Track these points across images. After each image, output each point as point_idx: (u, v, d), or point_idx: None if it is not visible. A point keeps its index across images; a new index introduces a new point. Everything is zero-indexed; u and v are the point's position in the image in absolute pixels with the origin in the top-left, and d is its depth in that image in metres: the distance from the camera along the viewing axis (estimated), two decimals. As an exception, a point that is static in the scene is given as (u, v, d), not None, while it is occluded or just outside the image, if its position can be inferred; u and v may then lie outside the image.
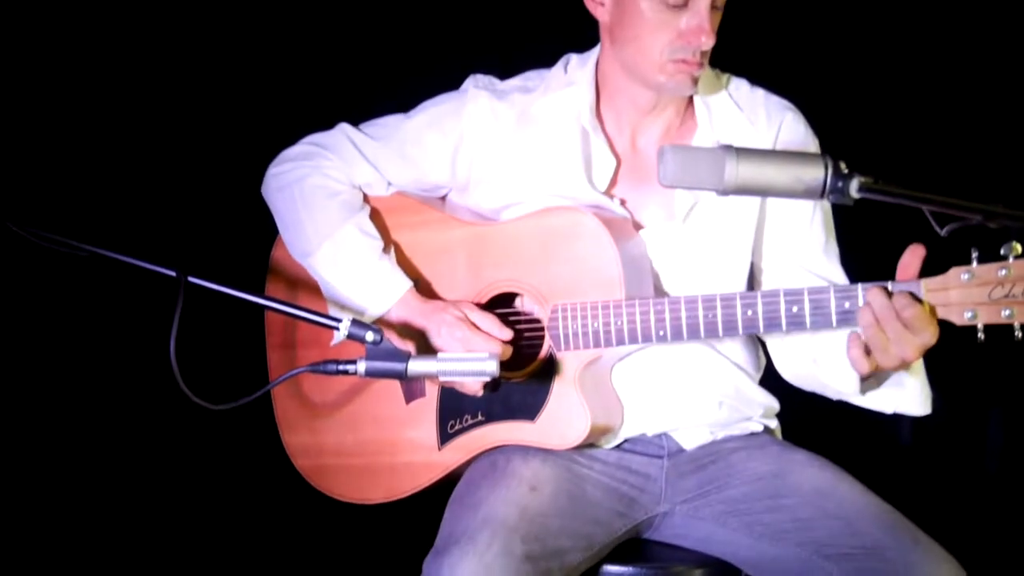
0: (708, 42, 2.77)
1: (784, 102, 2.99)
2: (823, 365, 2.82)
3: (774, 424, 3.07)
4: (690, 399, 2.94)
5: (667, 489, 2.94)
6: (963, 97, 4.00)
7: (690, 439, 2.97)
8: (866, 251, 2.88)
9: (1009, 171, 3.89)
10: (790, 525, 2.76)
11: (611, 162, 2.94)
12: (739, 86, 3.01)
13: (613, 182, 2.95)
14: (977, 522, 3.97)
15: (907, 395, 2.73)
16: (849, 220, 2.90)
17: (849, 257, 2.97)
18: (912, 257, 2.53)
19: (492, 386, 2.84)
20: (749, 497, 2.85)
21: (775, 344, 2.96)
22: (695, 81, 2.84)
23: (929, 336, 2.50)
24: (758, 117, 2.95)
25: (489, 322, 2.85)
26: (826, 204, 2.95)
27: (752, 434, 3.02)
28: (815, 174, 2.35)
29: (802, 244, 2.94)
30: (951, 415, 3.85)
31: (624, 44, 2.86)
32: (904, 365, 2.56)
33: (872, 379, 2.72)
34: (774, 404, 3.04)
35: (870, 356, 2.55)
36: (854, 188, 2.34)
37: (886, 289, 2.53)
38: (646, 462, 2.95)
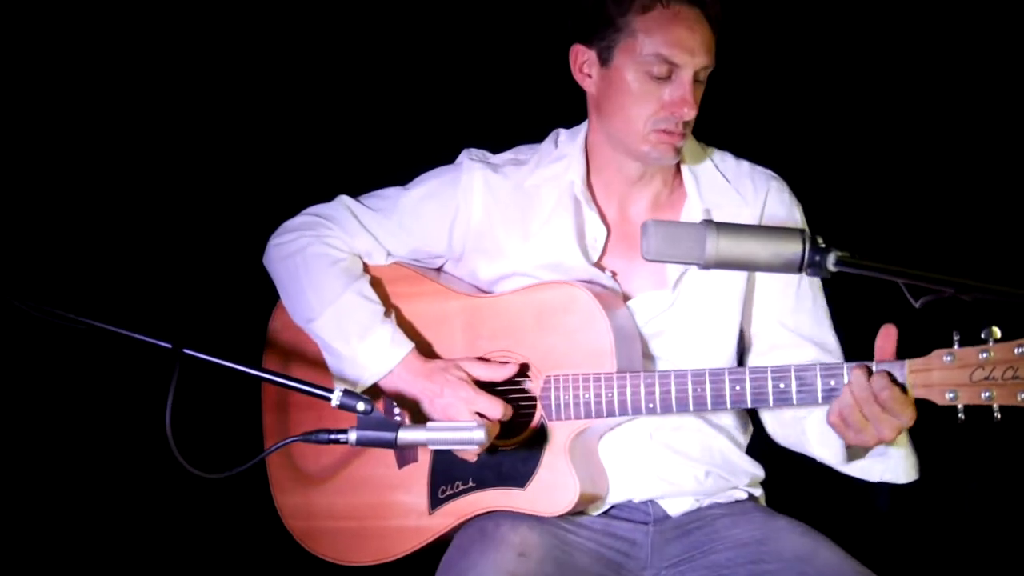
0: (690, 113, 2.85)
1: (768, 172, 3.07)
2: (810, 437, 2.89)
3: (758, 492, 3.11)
4: (678, 469, 2.99)
5: (652, 555, 2.96)
6: (937, 172, 4.05)
7: (675, 506, 3.00)
8: (848, 324, 2.93)
9: (984, 245, 3.95)
10: (773, 591, 2.81)
11: (602, 232, 3.00)
12: (724, 158, 3.08)
13: (604, 251, 3.01)
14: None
15: (891, 464, 2.80)
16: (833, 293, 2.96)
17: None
18: (886, 339, 2.63)
19: (492, 449, 2.89)
20: (733, 563, 2.87)
21: (766, 411, 3.02)
22: (678, 151, 2.91)
23: (907, 418, 2.59)
24: (745, 188, 3.03)
25: (491, 371, 2.91)
26: None
27: (736, 501, 3.05)
28: (793, 248, 2.40)
29: (790, 309, 3.00)
30: (929, 483, 3.87)
31: (610, 115, 2.93)
32: (882, 443, 2.64)
33: (857, 448, 2.78)
34: (759, 473, 3.08)
35: (849, 430, 2.62)
36: (831, 262, 2.39)
37: (869, 369, 2.61)
38: (632, 528, 2.98)
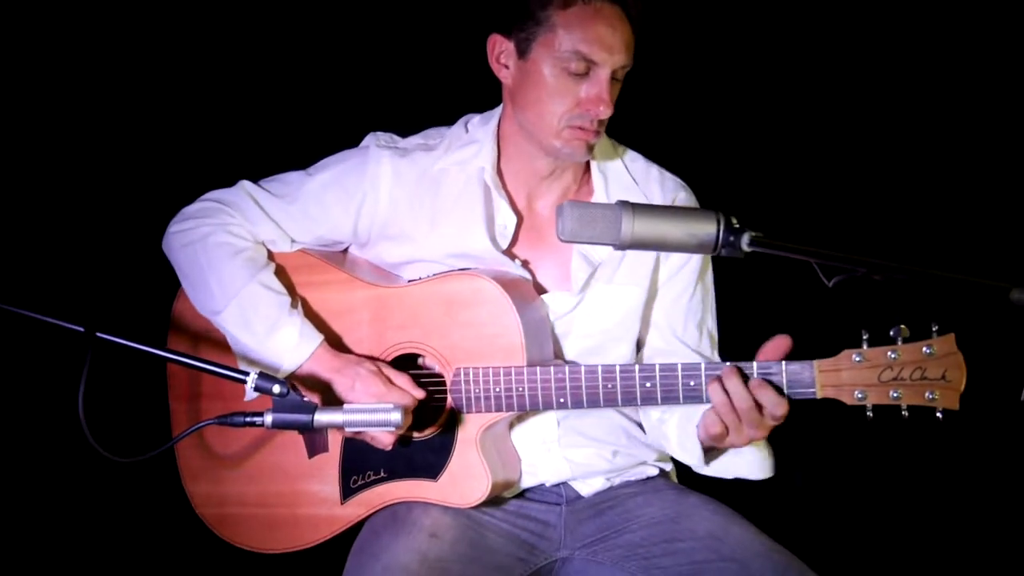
0: (606, 111, 2.84)
1: (678, 180, 3.10)
2: (671, 439, 2.94)
3: (669, 467, 3.14)
4: (587, 451, 3.01)
5: (566, 535, 2.99)
6: (851, 157, 4.13)
7: (587, 487, 3.03)
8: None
9: (896, 227, 4.04)
10: (687, 568, 2.84)
11: (512, 219, 2.99)
12: (635, 159, 3.10)
13: (514, 241, 3.00)
14: (865, 561, 4.07)
15: (745, 461, 2.88)
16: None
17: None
18: (775, 348, 2.70)
19: (404, 440, 2.88)
20: (647, 541, 2.91)
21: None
22: (590, 149, 2.91)
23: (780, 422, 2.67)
24: (653, 192, 3.05)
25: (403, 379, 2.88)
26: (708, 280, 3.09)
27: (648, 478, 3.09)
28: (708, 229, 2.44)
29: (680, 321, 3.05)
30: (841, 460, 3.94)
31: (524, 108, 2.92)
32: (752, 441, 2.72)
33: (713, 450, 2.86)
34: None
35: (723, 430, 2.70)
36: (745, 242, 2.43)
37: (740, 370, 2.68)
38: (545, 509, 3.00)
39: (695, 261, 3.03)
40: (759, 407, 2.65)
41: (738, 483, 2.91)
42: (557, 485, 3.02)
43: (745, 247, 2.43)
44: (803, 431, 2.83)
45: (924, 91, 4.07)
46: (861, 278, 2.39)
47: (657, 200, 3.04)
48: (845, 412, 2.66)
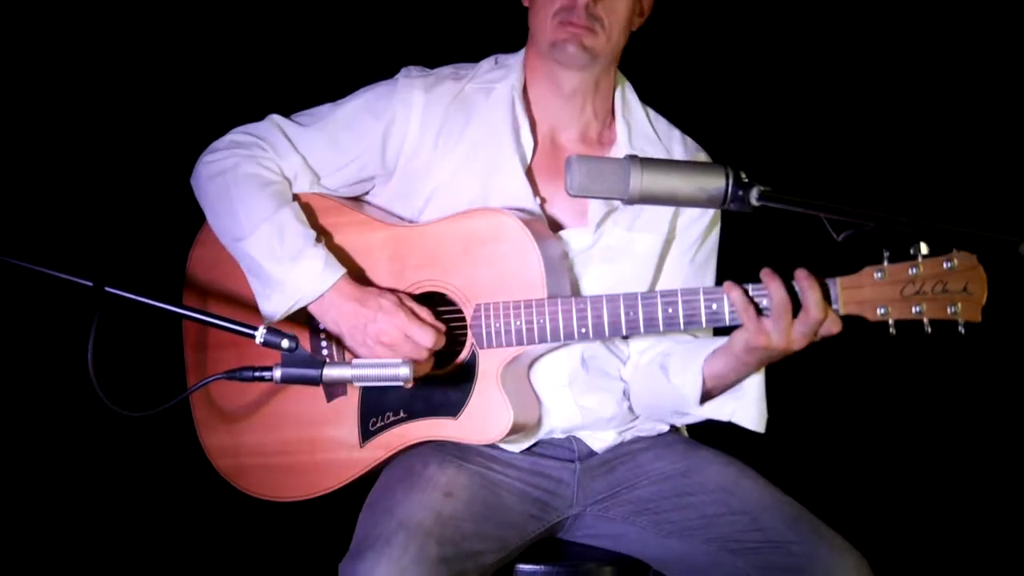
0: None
1: (696, 144, 3.11)
2: (671, 370, 2.90)
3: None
4: (597, 396, 3.01)
5: (578, 492, 3.00)
6: (861, 114, 4.11)
7: (599, 440, 3.04)
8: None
9: (905, 181, 4.00)
10: (697, 522, 2.85)
11: (530, 142, 3.00)
12: (658, 118, 3.12)
13: (535, 174, 3.00)
14: (878, 514, 4.07)
15: (744, 404, 2.86)
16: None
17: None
18: None
19: (426, 377, 2.88)
20: (657, 496, 2.92)
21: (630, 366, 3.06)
22: (585, 48, 2.90)
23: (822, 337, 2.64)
24: (674, 150, 3.08)
25: (425, 312, 2.88)
26: (713, 238, 3.08)
27: (659, 434, 3.09)
28: (717, 183, 2.43)
29: (681, 279, 3.05)
30: (852, 410, 3.94)
31: (531, 15, 2.97)
32: (783, 353, 2.68)
33: (712, 389, 2.86)
34: None
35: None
36: (754, 196, 2.42)
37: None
38: (559, 466, 3.00)
39: (708, 215, 3.04)
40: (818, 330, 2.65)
41: (749, 438, 2.90)
42: (569, 439, 3.02)
43: (754, 201, 2.43)
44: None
45: (934, 46, 4.04)
46: (870, 233, 2.38)
47: (678, 156, 3.06)
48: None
